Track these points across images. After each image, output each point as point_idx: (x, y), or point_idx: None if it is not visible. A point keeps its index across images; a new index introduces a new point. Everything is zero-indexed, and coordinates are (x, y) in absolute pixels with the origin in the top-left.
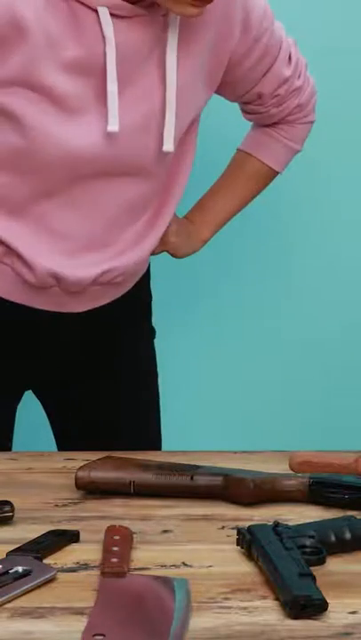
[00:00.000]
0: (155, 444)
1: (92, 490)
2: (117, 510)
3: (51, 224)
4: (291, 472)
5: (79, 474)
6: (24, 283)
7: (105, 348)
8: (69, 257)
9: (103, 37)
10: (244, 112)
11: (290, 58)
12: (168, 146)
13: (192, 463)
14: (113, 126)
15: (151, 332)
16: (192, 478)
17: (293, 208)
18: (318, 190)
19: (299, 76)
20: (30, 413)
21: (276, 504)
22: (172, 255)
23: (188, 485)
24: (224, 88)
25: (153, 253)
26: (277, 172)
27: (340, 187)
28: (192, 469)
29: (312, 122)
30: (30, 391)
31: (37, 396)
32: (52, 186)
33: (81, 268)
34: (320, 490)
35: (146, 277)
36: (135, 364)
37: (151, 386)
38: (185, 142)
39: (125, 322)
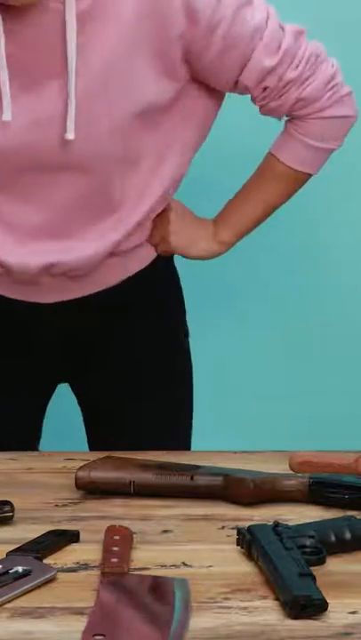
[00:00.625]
0: (184, 442)
1: (92, 490)
2: (117, 510)
3: (1, 215)
4: (291, 472)
5: (79, 474)
6: None
7: (121, 344)
8: (18, 245)
9: None
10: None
11: (280, 46)
12: (70, 134)
13: (192, 463)
14: (6, 115)
15: (185, 332)
16: (192, 478)
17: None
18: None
19: (296, 67)
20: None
21: (276, 504)
22: (184, 256)
23: (188, 485)
24: (202, 78)
25: (157, 251)
26: (304, 173)
27: None
28: (192, 469)
29: (331, 117)
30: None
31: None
32: None
33: (27, 256)
34: (320, 490)
35: (170, 272)
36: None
37: (184, 384)
38: (157, 136)
39: (146, 321)
